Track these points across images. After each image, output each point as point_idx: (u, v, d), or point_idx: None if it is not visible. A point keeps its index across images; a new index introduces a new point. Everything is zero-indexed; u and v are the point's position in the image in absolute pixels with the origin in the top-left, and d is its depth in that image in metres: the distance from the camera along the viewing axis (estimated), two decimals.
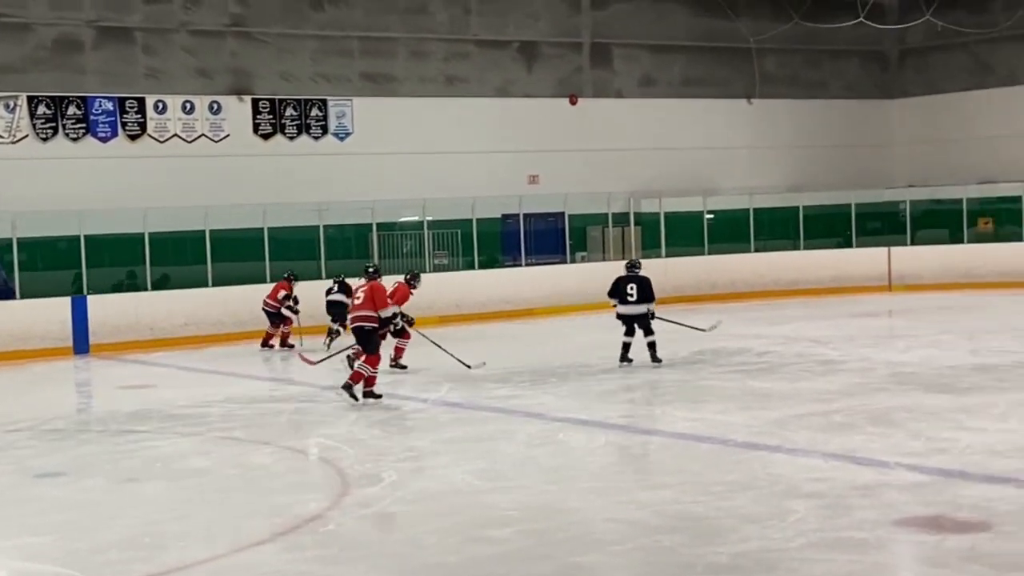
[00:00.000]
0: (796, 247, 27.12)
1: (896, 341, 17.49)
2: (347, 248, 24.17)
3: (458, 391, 14.17)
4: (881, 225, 28.18)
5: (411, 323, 15.69)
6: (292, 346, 19.15)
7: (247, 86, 24.04)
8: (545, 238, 25.76)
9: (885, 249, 26.50)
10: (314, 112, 24.57)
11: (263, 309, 19.43)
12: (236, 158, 23.59)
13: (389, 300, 14.66)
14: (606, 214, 26.14)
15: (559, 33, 27.18)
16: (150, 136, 22.98)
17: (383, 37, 25.27)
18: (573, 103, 27.27)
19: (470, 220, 23.93)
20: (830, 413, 11.60)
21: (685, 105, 28.52)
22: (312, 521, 8.26)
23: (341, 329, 18.39)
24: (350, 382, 13.41)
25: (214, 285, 21.48)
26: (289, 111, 24.33)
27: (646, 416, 12.00)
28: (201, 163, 23.09)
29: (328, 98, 24.76)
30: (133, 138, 22.83)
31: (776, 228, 27.73)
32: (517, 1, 26.62)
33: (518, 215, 24.98)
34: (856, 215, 27.52)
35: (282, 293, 19.24)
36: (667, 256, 25.83)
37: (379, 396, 13.53)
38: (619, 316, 15.77)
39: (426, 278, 19.93)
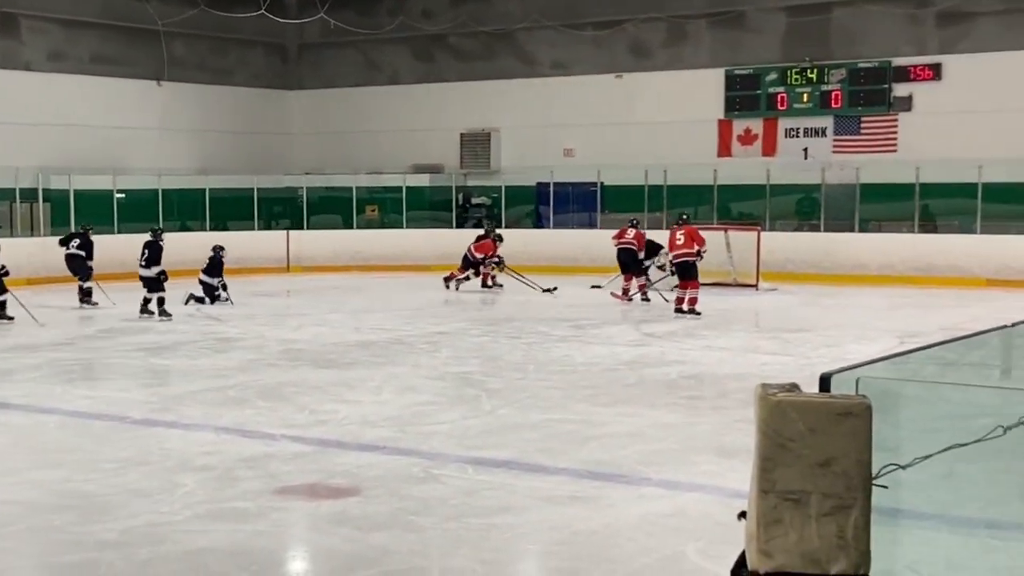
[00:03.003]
0: (203, 228, 27.05)
1: (289, 320, 18.00)
2: None
3: None
4: (282, 209, 28.84)
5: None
6: (497, 286, 22.44)
7: None
8: None
9: (284, 232, 27.14)
10: None
11: (465, 254, 22.35)
12: None
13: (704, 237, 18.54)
14: (13, 189, 24.61)
15: None
16: None
17: None
18: None
19: None
20: (225, 388, 11.78)
21: (96, 83, 27.42)
22: None
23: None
24: (687, 307, 17.56)
25: None
26: None
27: (45, 395, 11.53)
28: None
29: None
30: None
31: (185, 209, 27.49)
32: None
33: None
34: (259, 199, 27.92)
35: (480, 255, 22.20)
36: None
37: (699, 313, 17.41)
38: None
39: None
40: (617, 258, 20.49)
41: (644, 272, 20.31)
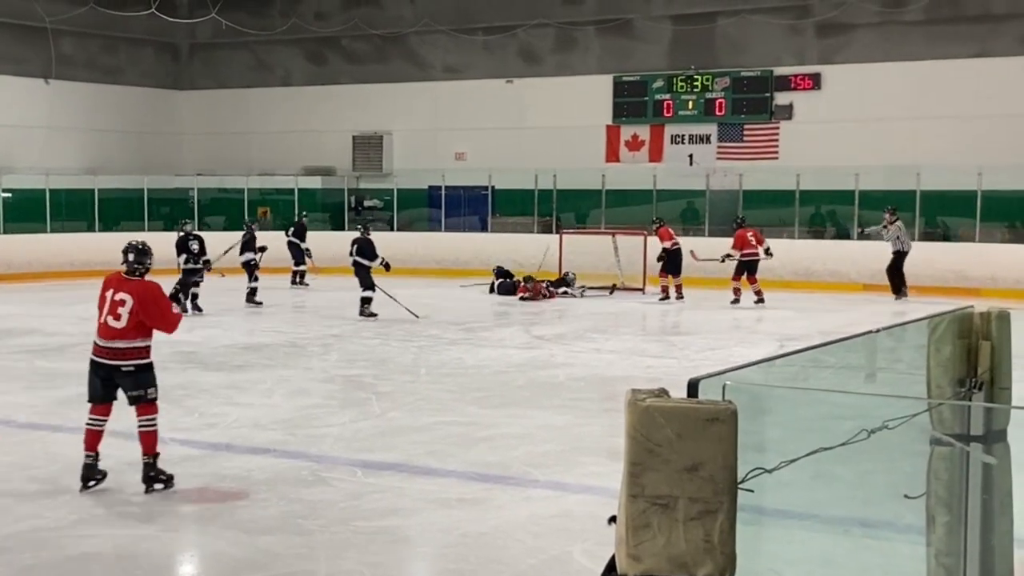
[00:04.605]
0: (92, 228, 26.52)
1: (185, 322, 17.76)
2: None
3: None
4: (172, 210, 28.37)
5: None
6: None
7: None
8: None
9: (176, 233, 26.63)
10: None
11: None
12: None
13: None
14: None
15: None
16: None
17: None
18: None
19: None
20: None
21: None
22: None
23: None
24: (756, 298, 19.85)
25: None
26: None
27: None
28: None
29: None
30: None
31: (73, 209, 26.90)
32: None
33: None
34: (149, 199, 27.46)
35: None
36: None
37: (762, 300, 19.92)
38: None
39: None
40: (672, 260, 20.95)
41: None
